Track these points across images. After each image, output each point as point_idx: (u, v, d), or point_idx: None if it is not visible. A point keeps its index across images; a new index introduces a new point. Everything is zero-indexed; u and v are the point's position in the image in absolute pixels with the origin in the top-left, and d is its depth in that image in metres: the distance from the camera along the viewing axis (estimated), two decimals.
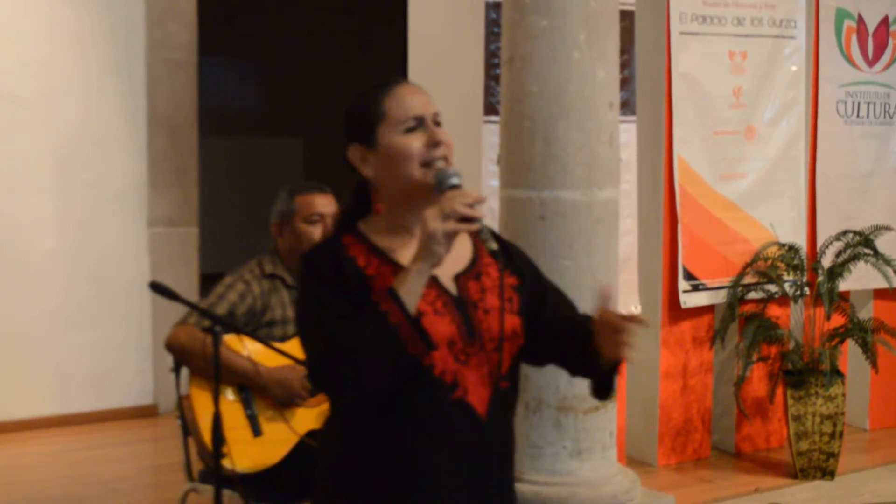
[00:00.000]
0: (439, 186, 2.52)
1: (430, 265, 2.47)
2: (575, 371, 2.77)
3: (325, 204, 4.58)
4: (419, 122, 2.59)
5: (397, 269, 2.55)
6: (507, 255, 2.71)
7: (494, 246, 2.56)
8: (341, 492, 2.60)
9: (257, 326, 4.45)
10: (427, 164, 2.56)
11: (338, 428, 2.65)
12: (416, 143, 2.57)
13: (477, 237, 2.65)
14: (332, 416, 2.69)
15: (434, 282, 2.55)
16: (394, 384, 2.48)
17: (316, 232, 4.52)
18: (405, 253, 2.59)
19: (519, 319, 2.64)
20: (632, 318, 2.51)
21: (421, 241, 2.47)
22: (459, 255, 2.63)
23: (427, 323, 2.50)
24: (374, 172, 2.63)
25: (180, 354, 4.38)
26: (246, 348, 4.29)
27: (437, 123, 2.63)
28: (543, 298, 2.74)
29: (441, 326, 2.52)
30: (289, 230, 4.57)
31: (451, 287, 2.60)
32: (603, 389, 2.69)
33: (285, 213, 4.58)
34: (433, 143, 2.57)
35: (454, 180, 2.52)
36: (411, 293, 2.45)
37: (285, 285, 4.55)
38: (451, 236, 2.45)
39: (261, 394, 4.34)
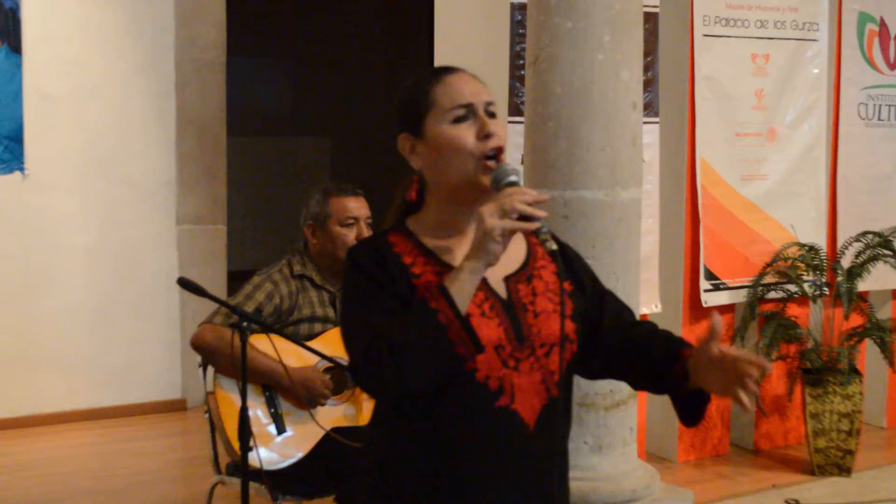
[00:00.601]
0: (496, 183, 2.39)
1: (484, 264, 2.33)
2: (639, 385, 2.64)
3: (359, 207, 4.58)
4: (469, 111, 2.45)
5: (444, 269, 2.41)
6: (565, 258, 2.52)
7: (554, 246, 2.38)
8: (377, 495, 2.50)
9: (284, 325, 4.46)
10: (482, 158, 2.43)
11: (380, 430, 2.53)
12: (468, 135, 2.43)
13: (535, 238, 2.50)
14: (375, 416, 2.57)
15: (482, 283, 2.39)
16: (439, 385, 2.35)
17: (350, 235, 4.52)
18: (454, 253, 2.46)
19: (573, 325, 2.49)
20: (756, 363, 2.39)
21: (476, 238, 2.33)
22: (511, 256, 2.48)
23: (473, 325, 2.36)
24: (423, 164, 2.51)
25: (206, 353, 4.38)
26: (273, 350, 4.28)
27: (491, 114, 2.47)
28: (602, 304, 2.60)
29: (488, 330, 2.38)
30: (323, 233, 4.56)
31: (501, 289, 2.46)
32: (694, 417, 2.54)
33: (319, 215, 4.57)
34: (484, 135, 2.43)
35: (513, 177, 2.38)
36: (463, 292, 2.32)
37: (314, 285, 4.55)
38: (508, 234, 2.32)
39: (285, 392, 4.36)
